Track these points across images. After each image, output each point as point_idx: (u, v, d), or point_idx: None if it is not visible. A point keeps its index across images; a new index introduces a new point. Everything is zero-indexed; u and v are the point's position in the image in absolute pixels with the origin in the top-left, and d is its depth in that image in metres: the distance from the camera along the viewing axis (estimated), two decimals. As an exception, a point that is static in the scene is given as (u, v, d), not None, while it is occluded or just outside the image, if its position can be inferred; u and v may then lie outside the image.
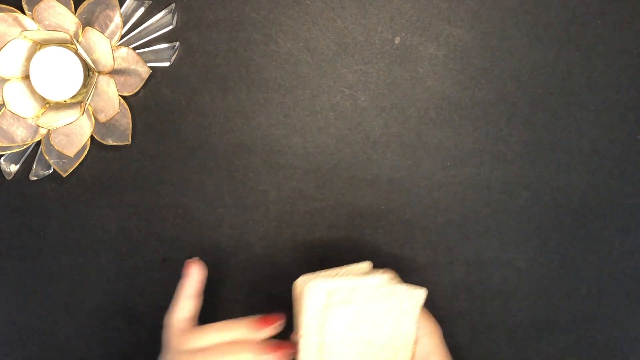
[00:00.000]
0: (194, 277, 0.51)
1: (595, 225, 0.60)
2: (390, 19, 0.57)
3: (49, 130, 0.55)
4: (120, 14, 0.55)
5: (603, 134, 0.58)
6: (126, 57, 0.55)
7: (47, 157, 0.56)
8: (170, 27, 0.56)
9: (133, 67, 0.55)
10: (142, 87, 0.56)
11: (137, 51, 0.56)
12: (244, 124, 0.58)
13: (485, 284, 0.60)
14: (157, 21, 0.56)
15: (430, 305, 0.60)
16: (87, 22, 0.55)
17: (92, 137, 0.57)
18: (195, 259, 0.52)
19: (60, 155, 0.56)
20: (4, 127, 0.55)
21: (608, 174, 0.59)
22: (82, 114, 0.54)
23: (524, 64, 0.57)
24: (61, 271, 0.59)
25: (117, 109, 0.55)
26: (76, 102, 0.55)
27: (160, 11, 0.56)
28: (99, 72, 0.55)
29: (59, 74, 0.53)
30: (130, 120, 0.56)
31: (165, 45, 0.56)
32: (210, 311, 0.60)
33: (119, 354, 0.60)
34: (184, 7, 0.56)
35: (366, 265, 0.50)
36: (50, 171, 0.57)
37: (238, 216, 0.59)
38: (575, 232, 0.60)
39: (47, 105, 0.55)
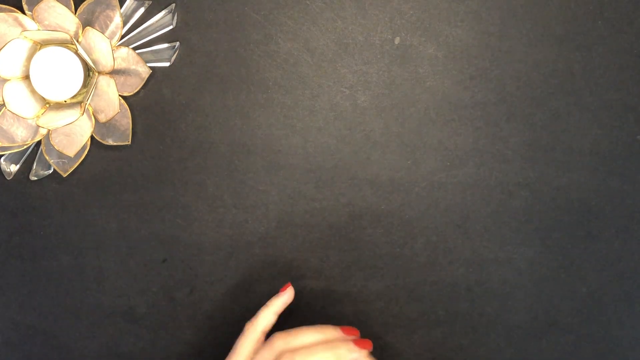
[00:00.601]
0: (285, 297, 0.54)
1: (595, 225, 0.60)
2: (390, 19, 0.57)
3: (49, 130, 0.55)
4: (120, 14, 0.55)
5: (603, 134, 0.58)
6: (126, 57, 0.55)
7: (47, 157, 0.56)
8: (170, 27, 0.56)
9: (133, 67, 0.55)
10: (142, 87, 0.56)
11: (137, 51, 0.56)
12: (244, 124, 0.58)
13: (485, 284, 0.60)
14: (157, 21, 0.56)
15: (430, 305, 0.60)
16: (87, 22, 0.55)
17: (92, 137, 0.57)
18: (289, 283, 0.55)
19: (60, 155, 0.57)
20: (4, 127, 0.55)
21: (608, 174, 0.59)
22: (82, 114, 0.54)
23: (524, 64, 0.57)
24: (61, 271, 0.59)
25: (117, 109, 0.55)
26: (76, 102, 0.55)
27: (160, 11, 0.56)
28: (99, 72, 0.55)
29: (59, 74, 0.53)
30: (130, 120, 0.56)
31: (165, 45, 0.56)
32: (211, 311, 0.60)
33: (119, 354, 0.60)
34: (184, 7, 0.56)
35: None
36: (50, 171, 0.57)
37: (238, 216, 0.59)
38: (575, 232, 0.60)
39: (47, 105, 0.55)
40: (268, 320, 0.53)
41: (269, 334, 0.53)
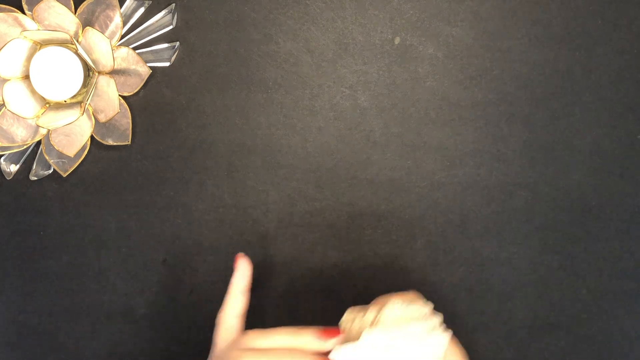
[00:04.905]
0: (243, 271, 0.49)
1: (595, 225, 0.60)
2: (390, 19, 0.57)
3: (49, 130, 0.55)
4: (120, 14, 0.55)
5: (603, 134, 0.58)
6: (126, 57, 0.55)
7: (47, 157, 0.56)
8: (170, 27, 0.56)
9: (133, 67, 0.55)
10: (142, 87, 0.56)
11: (137, 51, 0.56)
12: (244, 124, 0.58)
13: (485, 284, 0.60)
14: (157, 21, 0.56)
15: (430, 305, 0.60)
16: (87, 22, 0.55)
17: (92, 137, 0.57)
18: (241, 254, 0.50)
19: (60, 155, 0.56)
20: (4, 127, 0.55)
21: (608, 174, 0.59)
22: (82, 114, 0.54)
23: (524, 64, 0.57)
24: (61, 271, 0.59)
25: (117, 109, 0.55)
26: (76, 102, 0.55)
27: (160, 11, 0.56)
28: (99, 72, 0.55)
29: (59, 74, 0.53)
30: (130, 120, 0.56)
31: (165, 45, 0.56)
32: (211, 311, 0.60)
33: (119, 354, 0.60)
34: (184, 7, 0.56)
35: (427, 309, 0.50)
36: (50, 171, 0.57)
37: (238, 216, 0.59)
38: (575, 232, 0.60)
39: (47, 105, 0.55)
40: (236, 304, 0.49)
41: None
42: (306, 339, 0.46)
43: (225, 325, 0.48)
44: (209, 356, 0.49)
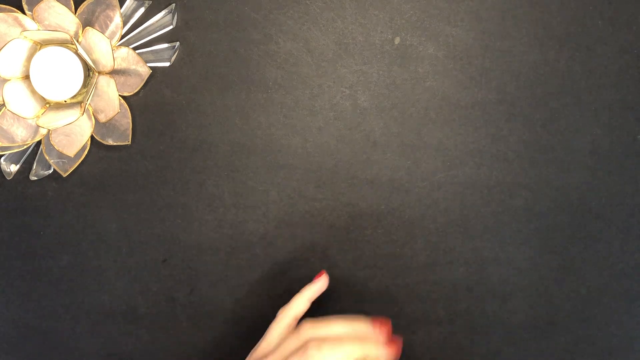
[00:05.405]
0: (319, 286, 0.55)
1: (595, 225, 0.60)
2: (390, 19, 0.57)
3: (49, 130, 0.55)
4: (120, 14, 0.55)
5: (603, 134, 0.58)
6: (126, 57, 0.55)
7: (47, 157, 0.57)
8: (170, 27, 0.56)
9: (133, 67, 0.55)
10: (142, 87, 0.56)
11: (137, 51, 0.56)
12: (244, 124, 0.58)
13: (485, 284, 0.60)
14: (157, 21, 0.56)
15: (430, 305, 0.60)
16: (87, 22, 0.55)
17: (92, 137, 0.57)
18: (324, 271, 0.56)
19: (60, 155, 0.57)
20: (4, 127, 0.55)
21: (608, 174, 0.59)
22: (82, 114, 0.54)
23: (524, 64, 0.57)
24: (61, 271, 0.59)
25: (117, 109, 0.55)
26: (76, 102, 0.55)
27: (160, 11, 0.56)
28: (99, 72, 0.55)
29: (59, 74, 0.53)
30: (130, 120, 0.56)
31: (165, 45, 0.56)
32: (211, 311, 0.60)
33: (119, 354, 0.60)
34: (184, 7, 0.56)
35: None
36: (50, 171, 0.57)
37: (238, 216, 0.59)
38: (575, 232, 0.60)
39: (47, 105, 0.55)
40: (300, 306, 0.53)
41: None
42: (361, 328, 0.50)
43: (284, 321, 0.53)
44: (258, 344, 0.52)
